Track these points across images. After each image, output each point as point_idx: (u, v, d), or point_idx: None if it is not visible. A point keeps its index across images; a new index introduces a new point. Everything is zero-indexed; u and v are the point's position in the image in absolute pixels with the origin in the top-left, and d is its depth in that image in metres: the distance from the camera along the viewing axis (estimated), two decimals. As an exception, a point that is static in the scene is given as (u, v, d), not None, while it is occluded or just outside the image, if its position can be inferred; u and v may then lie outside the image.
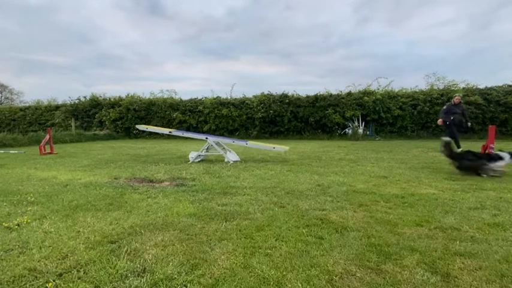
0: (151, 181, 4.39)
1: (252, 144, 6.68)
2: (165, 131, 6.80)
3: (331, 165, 5.78)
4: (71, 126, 17.67)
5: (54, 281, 1.63)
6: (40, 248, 2.05)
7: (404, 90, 15.00)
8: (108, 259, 1.88)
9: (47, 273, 1.72)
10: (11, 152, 8.88)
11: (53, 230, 2.40)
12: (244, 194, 3.51)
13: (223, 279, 1.65)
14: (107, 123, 17.56)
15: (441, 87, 14.79)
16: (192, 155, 6.42)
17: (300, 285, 1.59)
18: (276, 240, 2.17)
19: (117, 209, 2.94)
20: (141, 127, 6.82)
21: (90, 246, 2.08)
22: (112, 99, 18.17)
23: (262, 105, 15.24)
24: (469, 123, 8.30)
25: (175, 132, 6.78)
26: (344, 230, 2.36)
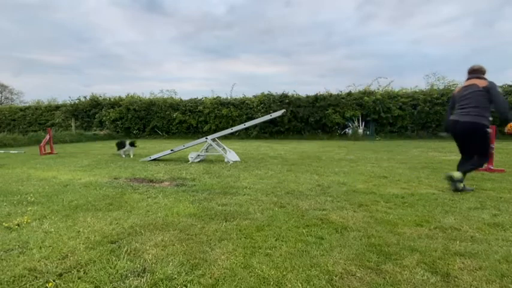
0: (151, 181, 4.39)
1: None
2: (167, 151, 6.85)
3: (331, 165, 5.78)
4: (71, 126, 17.68)
5: (54, 281, 1.63)
6: (40, 248, 2.05)
7: (404, 90, 15.02)
8: (108, 259, 1.87)
9: (47, 273, 1.72)
10: (11, 152, 8.88)
11: (53, 230, 2.40)
12: (244, 194, 3.51)
13: (223, 279, 1.64)
14: (107, 123, 17.56)
15: (441, 87, 14.80)
16: (192, 155, 6.43)
17: (300, 285, 1.59)
18: (276, 240, 2.17)
19: (117, 209, 2.94)
20: (145, 159, 6.78)
21: (90, 246, 2.08)
22: (112, 99, 18.17)
23: (262, 105, 15.26)
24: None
25: (176, 148, 6.81)
26: (344, 230, 2.36)
